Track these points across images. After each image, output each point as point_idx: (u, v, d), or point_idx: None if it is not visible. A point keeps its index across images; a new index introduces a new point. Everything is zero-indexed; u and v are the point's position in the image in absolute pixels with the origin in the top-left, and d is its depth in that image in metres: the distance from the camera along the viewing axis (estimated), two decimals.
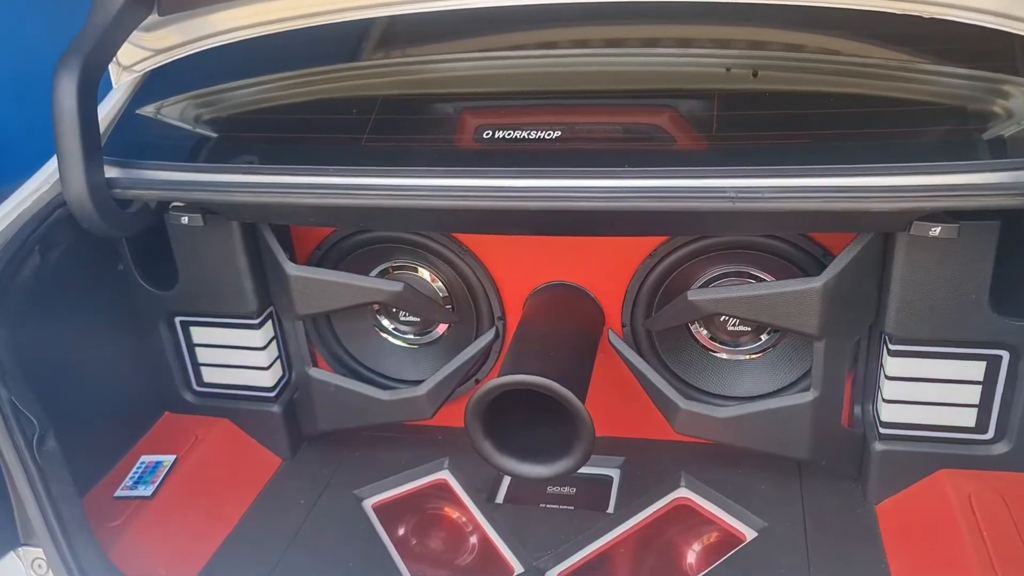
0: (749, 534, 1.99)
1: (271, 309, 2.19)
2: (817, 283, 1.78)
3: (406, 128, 1.93)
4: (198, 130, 2.10)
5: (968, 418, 1.89)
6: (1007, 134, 1.60)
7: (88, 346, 2.04)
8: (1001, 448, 1.89)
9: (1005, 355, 1.80)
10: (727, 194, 1.57)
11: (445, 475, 2.26)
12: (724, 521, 2.05)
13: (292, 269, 2.04)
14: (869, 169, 1.57)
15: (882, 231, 1.72)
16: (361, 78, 2.16)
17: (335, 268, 2.21)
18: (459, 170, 1.76)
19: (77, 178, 1.72)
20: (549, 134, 1.78)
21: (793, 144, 1.68)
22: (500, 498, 2.17)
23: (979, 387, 1.85)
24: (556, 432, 1.86)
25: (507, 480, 2.19)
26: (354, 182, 1.77)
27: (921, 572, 1.78)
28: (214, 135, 2.05)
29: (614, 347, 2.06)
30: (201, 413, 2.30)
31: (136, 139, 2.03)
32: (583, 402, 1.82)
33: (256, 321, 2.15)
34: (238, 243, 2.03)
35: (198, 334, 2.22)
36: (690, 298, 1.89)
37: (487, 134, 1.81)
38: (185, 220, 1.95)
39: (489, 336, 2.12)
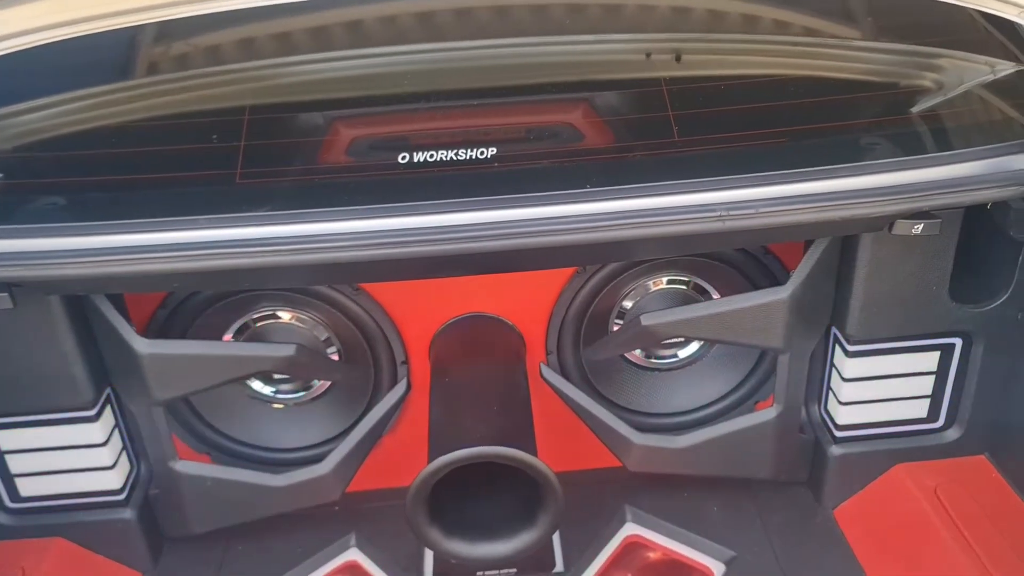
0: (717, 568, 1.81)
1: (108, 392, 1.69)
2: (783, 294, 1.61)
3: (276, 157, 1.51)
4: None
5: (921, 409, 1.82)
6: (985, 117, 1.48)
7: None
8: (953, 434, 1.84)
9: (958, 342, 1.74)
10: (716, 212, 1.33)
11: (354, 555, 1.88)
12: (685, 556, 1.86)
13: (144, 346, 1.56)
14: (851, 169, 1.40)
15: (862, 232, 1.57)
16: (188, 91, 1.67)
17: (187, 331, 1.75)
18: (354, 210, 1.39)
19: None
20: (472, 153, 1.44)
21: (770, 144, 1.46)
22: (428, 572, 1.84)
23: (932, 377, 1.78)
24: (505, 498, 1.57)
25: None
26: (227, 236, 1.34)
27: (900, 571, 1.69)
28: (13, 179, 1.50)
29: (549, 383, 1.79)
30: (23, 536, 1.76)
31: None
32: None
33: (92, 412, 1.65)
34: (61, 321, 1.53)
35: (7, 439, 1.68)
36: (644, 323, 1.65)
37: (403, 156, 1.44)
38: None
39: (400, 390, 1.77)
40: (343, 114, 1.60)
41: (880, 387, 1.78)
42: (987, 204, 1.48)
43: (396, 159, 1.44)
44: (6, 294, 1.42)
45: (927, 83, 1.56)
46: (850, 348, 1.72)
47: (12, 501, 1.76)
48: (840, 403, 1.79)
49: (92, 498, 1.75)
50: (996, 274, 1.67)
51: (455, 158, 1.43)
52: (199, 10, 1.35)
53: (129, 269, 1.33)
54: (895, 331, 1.70)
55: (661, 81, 1.53)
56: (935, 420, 1.83)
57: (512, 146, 1.53)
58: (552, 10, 1.72)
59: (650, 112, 1.53)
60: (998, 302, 1.67)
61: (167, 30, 1.41)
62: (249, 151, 1.44)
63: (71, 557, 1.77)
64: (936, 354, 1.75)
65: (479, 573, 1.84)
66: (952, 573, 1.63)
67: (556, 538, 1.92)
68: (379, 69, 1.67)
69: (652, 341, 1.80)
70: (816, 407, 1.90)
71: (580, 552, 1.86)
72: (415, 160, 1.46)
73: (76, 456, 1.70)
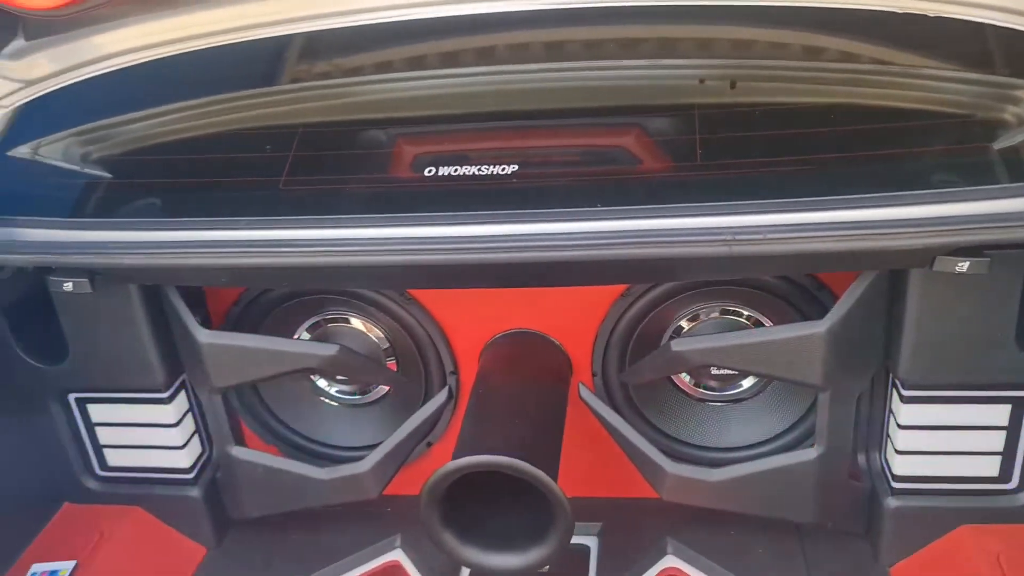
0: None
1: (183, 378, 1.86)
2: (820, 327, 1.54)
3: (331, 166, 1.62)
4: (86, 171, 1.77)
5: (991, 467, 1.67)
6: None
7: None
8: None
9: None
10: (723, 236, 1.31)
11: (397, 555, 1.96)
12: None
13: (204, 336, 1.72)
14: (887, 199, 1.33)
15: (899, 267, 1.48)
16: (276, 105, 1.84)
17: (256, 328, 1.90)
18: (398, 217, 1.47)
19: None
20: (504, 168, 1.49)
21: (792, 171, 1.42)
22: None
23: (1003, 432, 1.64)
24: (526, 511, 1.58)
25: None
26: (271, 236, 1.46)
27: None
28: (102, 180, 1.71)
29: (586, 403, 1.79)
30: (107, 502, 1.96)
31: (6, 188, 1.69)
32: (555, 477, 1.55)
33: (165, 395, 1.82)
34: (138, 308, 1.70)
35: (97, 412, 1.88)
36: (674, 349, 1.63)
37: (429, 170, 1.52)
38: (69, 286, 1.62)
39: (441, 399, 1.83)
40: (404, 132, 1.70)
41: (942, 438, 1.65)
42: None
43: (425, 173, 1.51)
44: (86, 279, 1.61)
45: (965, 111, 1.46)
46: (905, 393, 1.62)
47: (101, 469, 1.96)
48: (897, 451, 1.68)
49: (166, 474, 1.92)
50: None
51: (484, 173, 1.49)
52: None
53: (183, 262, 1.48)
54: (955, 378, 1.58)
55: (695, 107, 1.53)
56: (1007, 480, 1.68)
57: (552, 166, 1.57)
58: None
59: (685, 135, 1.53)
60: None
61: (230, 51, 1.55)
62: (295, 161, 1.57)
63: (145, 525, 1.95)
64: (1007, 407, 1.61)
65: None
66: None
67: (593, 560, 1.91)
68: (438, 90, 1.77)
69: (684, 367, 1.76)
70: (876, 455, 1.79)
71: None
72: (456, 174, 1.53)
73: (152, 434, 1.88)
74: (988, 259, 1.37)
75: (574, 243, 1.36)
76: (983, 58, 1.51)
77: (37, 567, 1.79)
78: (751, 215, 1.32)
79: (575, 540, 1.95)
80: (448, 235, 1.41)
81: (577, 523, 1.95)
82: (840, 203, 1.32)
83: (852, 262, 1.47)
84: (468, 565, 1.59)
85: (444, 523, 1.56)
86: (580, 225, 1.37)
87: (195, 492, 1.93)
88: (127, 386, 1.81)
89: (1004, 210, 1.28)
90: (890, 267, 1.48)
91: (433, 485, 1.51)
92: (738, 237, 1.31)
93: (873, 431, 1.78)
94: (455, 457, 1.54)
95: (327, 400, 2.03)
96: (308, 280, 1.66)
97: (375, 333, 1.95)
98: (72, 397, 1.86)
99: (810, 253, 1.36)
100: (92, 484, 1.96)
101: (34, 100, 1.60)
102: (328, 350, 1.74)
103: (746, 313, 1.80)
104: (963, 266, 1.37)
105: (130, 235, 1.54)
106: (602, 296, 1.80)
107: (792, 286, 1.71)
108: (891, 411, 1.68)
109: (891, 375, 1.64)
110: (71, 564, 1.80)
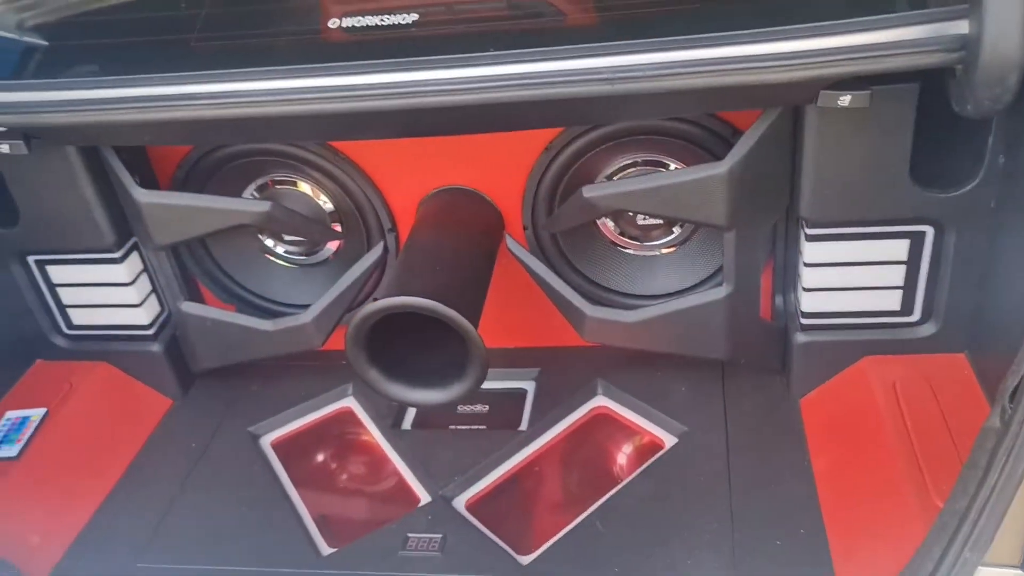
0: (668, 440, 1.87)
1: (135, 240, 1.96)
2: (722, 168, 1.59)
3: (242, 22, 1.66)
4: (23, 39, 1.82)
5: (893, 301, 1.75)
6: None
7: None
8: (928, 329, 1.76)
9: (929, 230, 1.65)
10: (604, 75, 1.35)
11: (349, 403, 2.11)
12: (642, 428, 1.92)
13: (142, 195, 1.80)
14: (763, 34, 1.35)
15: (787, 104, 1.53)
16: None
17: (203, 187, 1.98)
18: (310, 68, 1.51)
19: None
20: (405, 18, 1.53)
21: (683, 11, 1.45)
22: (407, 424, 2.02)
23: (903, 267, 1.71)
24: (454, 353, 1.69)
25: None
26: (185, 91, 1.52)
27: (844, 469, 1.68)
28: (38, 44, 1.76)
29: (512, 253, 1.88)
30: (76, 358, 2.10)
31: None
32: (475, 318, 1.65)
33: (117, 254, 1.92)
34: (78, 169, 1.79)
35: (57, 273, 1.99)
36: (585, 195, 1.70)
37: (333, 22, 1.56)
38: (6, 148, 1.70)
39: (376, 252, 1.93)
40: None
41: (844, 274, 1.73)
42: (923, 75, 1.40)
43: (331, 25, 1.55)
44: (21, 141, 1.68)
45: None
46: (808, 232, 1.68)
47: (67, 328, 2.09)
48: (804, 289, 1.76)
49: (128, 331, 2.05)
50: (965, 158, 1.57)
51: (386, 24, 1.53)
52: None
53: (101, 118, 1.55)
54: (854, 215, 1.64)
55: None
56: (909, 313, 1.76)
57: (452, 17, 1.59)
58: None
59: None
60: (968, 188, 1.57)
61: None
62: (208, 17, 1.61)
63: (112, 379, 2.09)
64: (905, 243, 1.68)
65: (451, 427, 2.00)
66: (885, 469, 1.61)
67: (528, 401, 2.04)
68: None
69: (596, 213, 1.82)
70: (790, 295, 1.87)
71: (545, 416, 1.97)
72: (359, 25, 1.56)
73: (110, 293, 1.99)
74: (868, 92, 1.40)
75: (464, 87, 1.41)
76: None
77: (11, 414, 1.95)
78: (630, 55, 1.36)
79: (514, 384, 2.10)
80: (351, 84, 1.46)
81: (516, 369, 2.10)
82: (717, 40, 1.35)
83: (736, 99, 1.51)
84: (394, 400, 1.71)
85: (371, 362, 1.68)
86: (470, 71, 1.41)
87: (156, 347, 2.05)
88: (79, 247, 1.91)
89: (875, 41, 1.31)
90: (777, 104, 1.52)
91: (357, 324, 1.62)
92: (618, 76, 1.35)
93: (788, 274, 1.86)
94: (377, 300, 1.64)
95: (275, 259, 2.13)
96: (223, 134, 1.73)
97: (319, 196, 2.03)
98: (32, 259, 1.97)
99: (691, 90, 1.39)
100: (60, 341, 2.10)
101: None
102: (261, 206, 1.82)
103: (671, 165, 1.85)
104: (845, 100, 1.41)
105: (56, 95, 1.60)
106: (527, 151, 1.85)
107: (708, 133, 1.75)
108: (799, 251, 1.75)
109: (796, 216, 1.70)
110: (42, 411, 1.96)
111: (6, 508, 1.75)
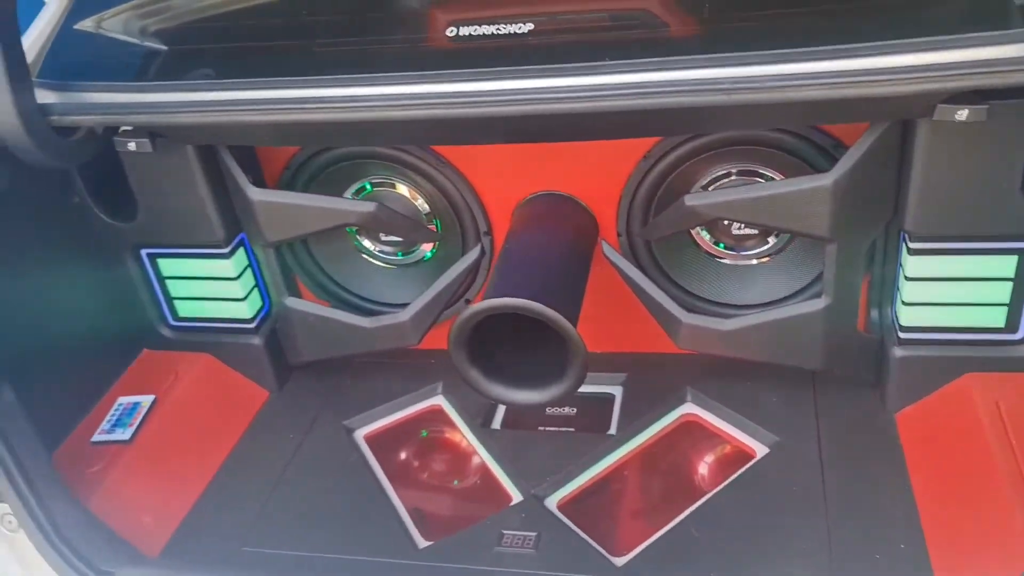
0: (760, 450, 1.87)
1: (242, 236, 2.04)
2: (827, 180, 1.60)
3: (363, 29, 1.72)
4: (145, 43, 1.91)
5: (997, 318, 1.73)
6: None
7: (49, 288, 1.91)
8: None
9: None
10: (722, 86, 1.37)
11: (439, 400, 2.16)
12: (733, 437, 1.93)
13: (255, 193, 1.88)
14: (881, 47, 1.36)
15: (902, 117, 1.53)
16: None
17: (306, 188, 2.05)
18: (425, 75, 1.57)
19: (3, 107, 1.56)
20: (521, 27, 1.57)
21: (795, 22, 1.46)
22: (497, 423, 2.06)
23: (1010, 284, 1.69)
24: (550, 355, 1.72)
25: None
26: (308, 94, 1.59)
27: (944, 485, 1.66)
28: (160, 49, 1.86)
29: (608, 258, 1.91)
30: (181, 349, 2.19)
31: (74, 58, 1.85)
32: (574, 321, 1.68)
33: (226, 250, 2.01)
34: (196, 168, 1.87)
35: (167, 266, 2.08)
36: (687, 203, 1.72)
37: (451, 31, 1.61)
38: (132, 146, 1.79)
39: (474, 255, 1.97)
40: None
41: (948, 290, 1.71)
42: None
43: (448, 34, 1.60)
44: (147, 139, 1.77)
45: None
46: (911, 245, 1.68)
47: (173, 320, 2.18)
48: (903, 303, 1.75)
49: (231, 324, 2.13)
50: None
51: (503, 33, 1.58)
52: None
53: (228, 119, 1.62)
54: (961, 230, 1.63)
55: None
56: (1014, 331, 1.74)
57: (567, 27, 1.63)
58: None
59: None
60: None
61: None
62: (328, 25, 1.68)
63: (215, 370, 2.18)
64: (1013, 259, 1.66)
65: (540, 428, 2.03)
66: (989, 488, 1.59)
67: (616, 406, 2.06)
68: None
69: (697, 221, 1.84)
70: (887, 308, 1.86)
71: (634, 421, 1.99)
72: (476, 34, 1.61)
73: (216, 287, 2.07)
74: (987, 107, 1.40)
75: (577, 96, 1.44)
76: None
77: (123, 399, 2.04)
78: (748, 66, 1.38)
79: (602, 389, 2.13)
80: (465, 91, 1.51)
81: (603, 374, 2.12)
82: (838, 52, 1.36)
83: (851, 112, 1.51)
84: (493, 399, 1.75)
85: (471, 361, 1.72)
86: (584, 80, 1.44)
87: (257, 341, 2.13)
88: (191, 242, 2.00)
89: (998, 56, 1.30)
90: (892, 117, 1.52)
91: (460, 324, 1.66)
92: (737, 87, 1.37)
93: (885, 286, 1.85)
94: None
95: (371, 259, 2.19)
96: (335, 136, 1.79)
97: (417, 199, 2.08)
98: (144, 252, 2.06)
99: (806, 102, 1.41)
100: (167, 332, 2.19)
101: None
102: (367, 207, 1.88)
103: (766, 176, 1.86)
104: (963, 114, 1.41)
105: (181, 96, 1.69)
106: (626, 158, 1.88)
107: (809, 145, 1.76)
108: (900, 264, 1.74)
109: (900, 229, 1.69)
110: (151, 398, 2.04)
111: (121, 488, 1.83)
